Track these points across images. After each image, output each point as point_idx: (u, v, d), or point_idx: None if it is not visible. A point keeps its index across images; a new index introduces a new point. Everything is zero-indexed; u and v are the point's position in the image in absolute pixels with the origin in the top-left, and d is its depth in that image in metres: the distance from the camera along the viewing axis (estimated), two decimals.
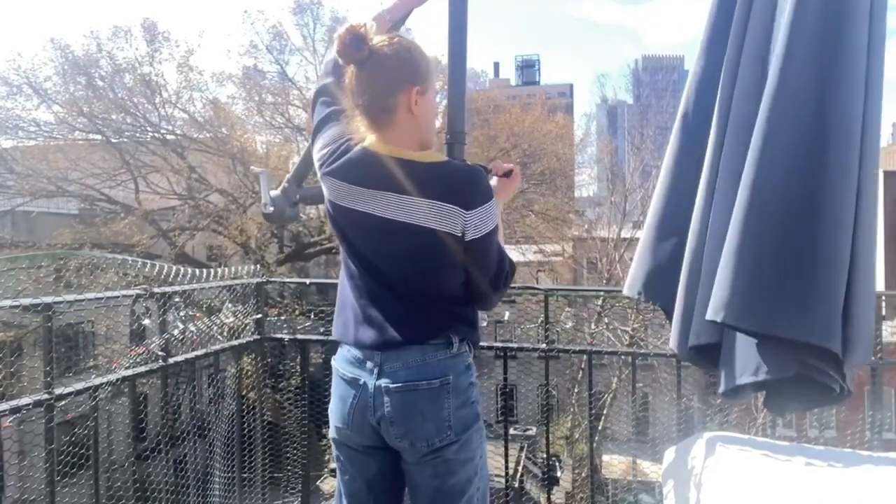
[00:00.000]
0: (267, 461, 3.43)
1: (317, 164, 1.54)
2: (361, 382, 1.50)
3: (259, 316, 3.23)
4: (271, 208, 1.95)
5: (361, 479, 1.59)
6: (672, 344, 1.71)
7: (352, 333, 1.53)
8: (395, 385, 1.46)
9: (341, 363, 1.57)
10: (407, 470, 1.55)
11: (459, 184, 1.43)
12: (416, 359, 1.46)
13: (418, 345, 1.47)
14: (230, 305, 3.20)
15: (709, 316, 1.47)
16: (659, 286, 1.76)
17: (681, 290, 1.66)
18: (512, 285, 1.63)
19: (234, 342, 3.14)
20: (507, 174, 1.71)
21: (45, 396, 2.15)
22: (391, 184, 1.42)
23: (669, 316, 1.74)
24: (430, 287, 1.50)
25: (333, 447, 1.61)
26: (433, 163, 1.46)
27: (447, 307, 1.51)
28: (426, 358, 1.47)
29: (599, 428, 14.09)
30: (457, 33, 1.82)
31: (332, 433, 1.59)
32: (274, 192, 1.97)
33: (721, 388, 1.61)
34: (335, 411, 1.57)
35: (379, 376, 1.47)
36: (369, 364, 1.49)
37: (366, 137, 1.47)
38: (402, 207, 1.42)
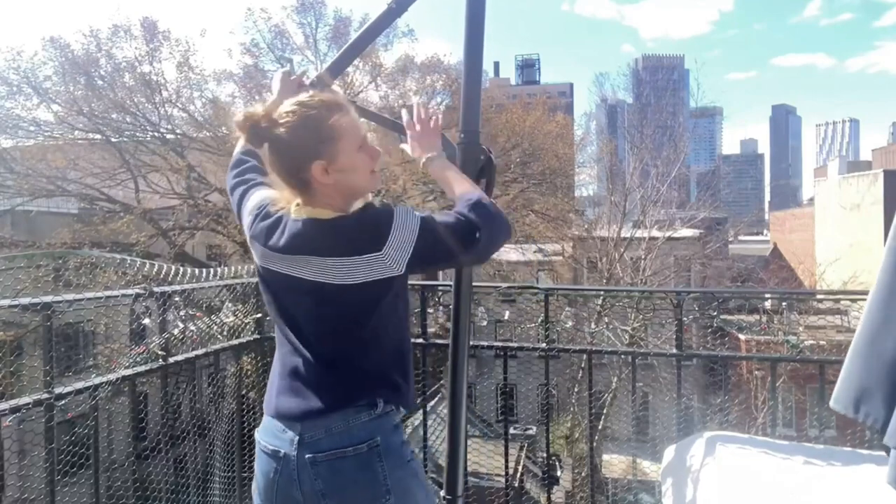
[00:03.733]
0: None
1: (245, 229, 1.56)
2: (282, 455, 1.44)
3: (259, 315, 3.23)
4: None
5: None
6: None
7: (273, 404, 1.50)
8: (321, 455, 1.40)
9: (263, 435, 1.51)
10: None
11: (358, 232, 1.41)
12: (339, 425, 1.42)
13: (341, 410, 1.43)
14: (230, 305, 3.20)
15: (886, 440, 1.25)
16: (880, 401, 1.40)
17: None
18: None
19: (234, 341, 3.14)
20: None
21: (45, 396, 2.16)
22: (305, 246, 1.41)
23: None
24: (347, 344, 1.46)
25: None
26: (330, 219, 1.44)
27: (368, 368, 1.47)
28: (349, 422, 1.42)
29: (599, 427, 14.09)
30: (473, 34, 1.82)
31: None
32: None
33: None
34: (258, 487, 1.52)
35: (300, 446, 1.42)
36: (289, 434, 1.44)
37: (291, 203, 1.48)
38: (315, 268, 1.41)
